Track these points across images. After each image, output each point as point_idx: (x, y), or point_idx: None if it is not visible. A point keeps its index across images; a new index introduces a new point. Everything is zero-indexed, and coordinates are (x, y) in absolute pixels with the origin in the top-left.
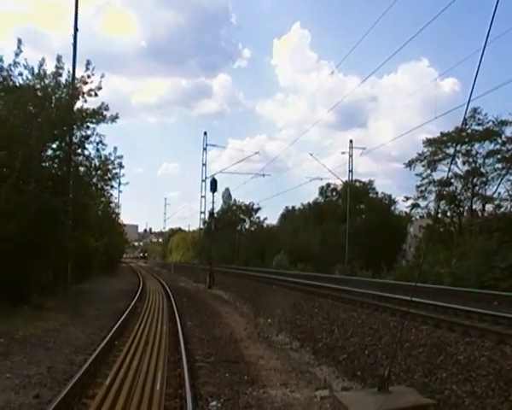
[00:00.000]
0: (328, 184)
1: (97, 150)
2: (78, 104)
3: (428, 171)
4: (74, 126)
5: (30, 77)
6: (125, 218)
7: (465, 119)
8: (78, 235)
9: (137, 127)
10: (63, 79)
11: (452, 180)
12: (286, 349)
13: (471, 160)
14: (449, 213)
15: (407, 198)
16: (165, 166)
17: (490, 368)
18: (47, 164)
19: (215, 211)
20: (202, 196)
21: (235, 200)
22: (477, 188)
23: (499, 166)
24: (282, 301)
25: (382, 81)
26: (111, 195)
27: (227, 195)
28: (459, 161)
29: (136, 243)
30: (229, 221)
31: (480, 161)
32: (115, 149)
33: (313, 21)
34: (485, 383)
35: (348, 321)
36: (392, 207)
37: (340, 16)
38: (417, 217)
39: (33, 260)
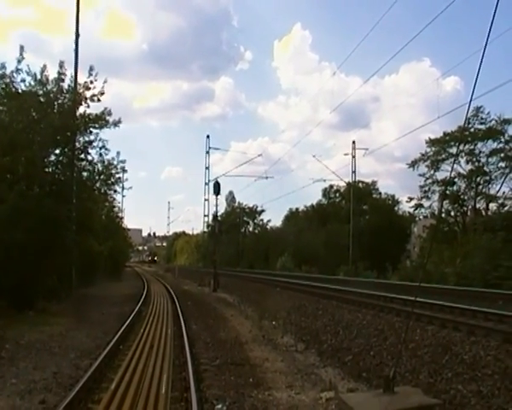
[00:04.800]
0: (332, 186)
1: (100, 155)
2: (81, 109)
3: (432, 171)
4: (77, 132)
5: (32, 83)
6: (129, 222)
7: (467, 118)
8: (82, 239)
9: (140, 131)
10: (65, 85)
11: (456, 180)
12: (291, 351)
13: (474, 159)
14: (453, 213)
15: (410, 198)
16: (169, 169)
17: (495, 367)
18: (50, 169)
19: (219, 214)
20: (206, 200)
21: (238, 202)
22: (480, 187)
23: (503, 164)
24: (287, 303)
25: (384, 81)
26: (114, 199)
27: (231, 198)
28: (462, 161)
29: (140, 248)
30: (233, 224)
31: (483, 159)
32: (118, 153)
33: (314, 22)
34: (491, 382)
35: (353, 322)
36: (396, 208)
37: (341, 17)
38: (421, 217)
39: (38, 265)
